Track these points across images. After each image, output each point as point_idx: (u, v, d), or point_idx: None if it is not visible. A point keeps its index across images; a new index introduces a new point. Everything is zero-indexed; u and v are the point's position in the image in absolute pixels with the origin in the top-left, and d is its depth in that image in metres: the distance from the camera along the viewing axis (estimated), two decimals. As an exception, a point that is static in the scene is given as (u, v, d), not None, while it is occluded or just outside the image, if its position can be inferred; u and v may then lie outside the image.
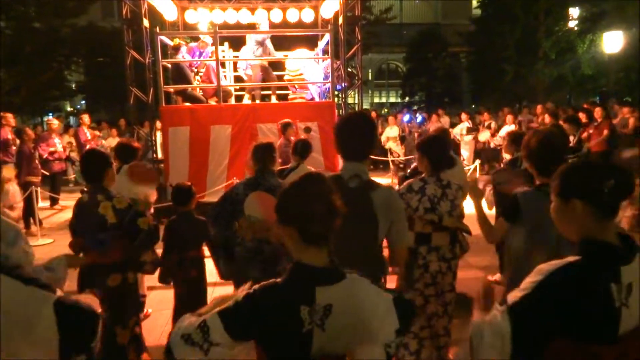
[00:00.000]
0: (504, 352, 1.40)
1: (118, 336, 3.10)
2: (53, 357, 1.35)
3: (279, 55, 9.17)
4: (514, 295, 1.43)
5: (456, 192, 3.14)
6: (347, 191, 1.78)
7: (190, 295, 3.67)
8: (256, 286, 1.41)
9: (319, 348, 1.37)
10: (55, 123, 10.17)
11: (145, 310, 4.42)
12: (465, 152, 12.39)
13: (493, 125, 12.53)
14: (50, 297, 1.39)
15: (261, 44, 8.42)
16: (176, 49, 8.30)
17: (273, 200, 1.59)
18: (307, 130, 7.50)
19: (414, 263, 3.07)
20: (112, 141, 12.14)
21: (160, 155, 8.96)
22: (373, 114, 14.80)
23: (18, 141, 8.63)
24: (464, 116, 13.36)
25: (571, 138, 7.45)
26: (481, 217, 2.64)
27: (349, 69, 9.32)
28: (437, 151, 3.19)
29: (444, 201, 3.07)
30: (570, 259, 1.43)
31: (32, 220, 7.81)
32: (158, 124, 9.46)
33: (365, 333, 1.38)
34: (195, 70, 8.82)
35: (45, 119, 23.05)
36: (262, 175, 3.24)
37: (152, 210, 3.83)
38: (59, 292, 1.44)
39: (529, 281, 1.43)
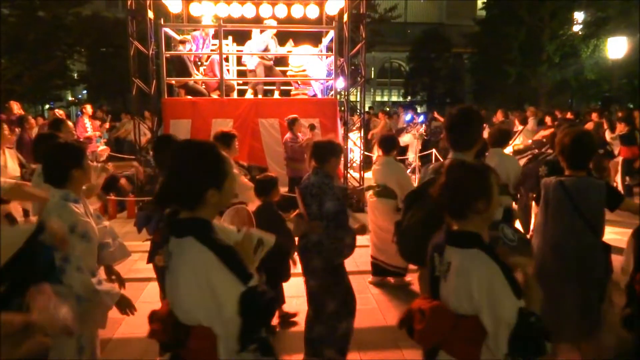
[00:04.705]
0: None
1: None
2: None
3: (282, 50, 9.15)
4: None
5: None
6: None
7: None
8: None
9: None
10: (61, 113, 10.32)
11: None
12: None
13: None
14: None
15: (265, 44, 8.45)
16: (183, 42, 8.30)
17: None
18: (312, 127, 7.48)
19: None
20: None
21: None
22: (380, 115, 14.75)
23: (18, 129, 8.61)
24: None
25: None
26: None
27: (352, 67, 9.29)
28: None
29: None
30: None
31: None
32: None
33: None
34: (199, 62, 8.81)
35: (46, 107, 23.08)
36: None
37: None
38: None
39: None
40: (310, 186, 3.14)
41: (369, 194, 5.11)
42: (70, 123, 5.01)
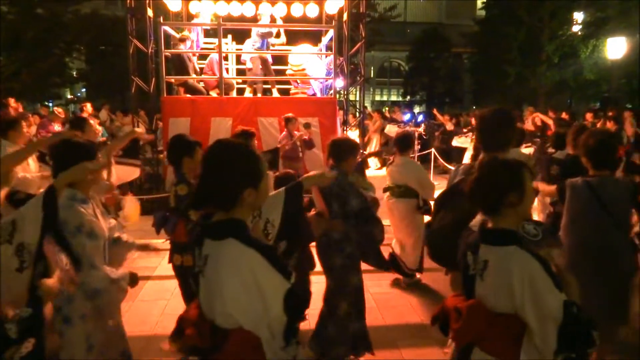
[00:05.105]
0: None
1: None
2: None
3: (280, 48, 9.10)
4: None
5: None
6: None
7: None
8: None
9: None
10: (60, 111, 10.32)
11: None
12: None
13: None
14: None
15: (262, 36, 8.39)
16: (182, 40, 8.28)
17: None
18: (307, 126, 7.50)
19: None
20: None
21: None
22: (375, 114, 14.69)
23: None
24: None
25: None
26: None
27: (352, 66, 9.29)
28: None
29: None
30: None
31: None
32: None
33: None
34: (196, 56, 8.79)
35: (45, 104, 23.05)
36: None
37: None
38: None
39: None
40: (330, 185, 3.14)
41: (386, 195, 5.02)
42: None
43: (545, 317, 1.57)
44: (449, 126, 13.07)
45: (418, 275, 5.05)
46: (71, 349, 2.30)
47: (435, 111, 14.47)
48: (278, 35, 8.86)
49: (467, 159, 10.29)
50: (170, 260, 3.29)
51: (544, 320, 1.57)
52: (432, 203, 4.85)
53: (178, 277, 3.31)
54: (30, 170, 4.32)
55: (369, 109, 18.02)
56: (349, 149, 3.20)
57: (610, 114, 10.03)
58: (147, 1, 8.07)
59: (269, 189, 1.69)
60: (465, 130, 11.11)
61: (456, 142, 11.03)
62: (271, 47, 8.74)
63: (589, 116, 10.88)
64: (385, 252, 4.91)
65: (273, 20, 8.92)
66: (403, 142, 5.00)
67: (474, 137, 10.10)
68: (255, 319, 1.48)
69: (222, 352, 1.50)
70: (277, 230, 1.89)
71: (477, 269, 1.75)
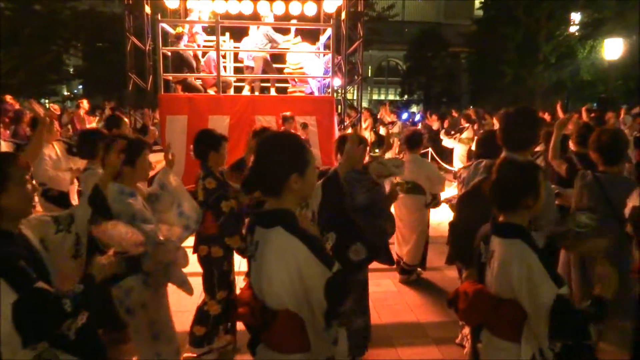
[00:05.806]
0: None
1: (207, 305, 3.41)
2: None
3: (283, 46, 9.10)
4: None
5: None
6: None
7: None
8: None
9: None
10: (56, 108, 10.31)
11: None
12: None
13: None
14: None
15: (270, 39, 8.41)
16: (178, 37, 8.24)
17: None
18: (304, 126, 7.51)
19: None
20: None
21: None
22: (366, 113, 14.64)
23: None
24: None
25: None
26: None
27: (350, 65, 9.31)
28: None
29: None
30: None
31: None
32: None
33: None
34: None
35: (42, 101, 22.95)
36: None
37: None
38: None
39: None
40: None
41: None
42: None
43: (540, 306, 1.69)
44: (435, 126, 13.24)
45: (418, 270, 5.11)
46: (137, 338, 2.53)
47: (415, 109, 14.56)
48: (287, 32, 8.87)
49: (456, 157, 10.46)
50: (195, 251, 3.42)
51: (538, 309, 1.69)
52: (442, 195, 5.00)
53: (203, 267, 3.43)
54: (61, 167, 4.65)
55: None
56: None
57: (592, 115, 10.04)
58: (145, -2, 8.06)
59: (316, 179, 1.77)
60: (452, 132, 11.23)
61: (444, 141, 11.17)
62: (279, 46, 8.73)
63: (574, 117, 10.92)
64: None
65: (276, 18, 8.91)
66: (412, 140, 5.08)
67: (460, 136, 10.31)
68: (298, 302, 1.57)
69: (271, 330, 1.62)
70: (317, 221, 2.00)
71: (487, 257, 1.90)
